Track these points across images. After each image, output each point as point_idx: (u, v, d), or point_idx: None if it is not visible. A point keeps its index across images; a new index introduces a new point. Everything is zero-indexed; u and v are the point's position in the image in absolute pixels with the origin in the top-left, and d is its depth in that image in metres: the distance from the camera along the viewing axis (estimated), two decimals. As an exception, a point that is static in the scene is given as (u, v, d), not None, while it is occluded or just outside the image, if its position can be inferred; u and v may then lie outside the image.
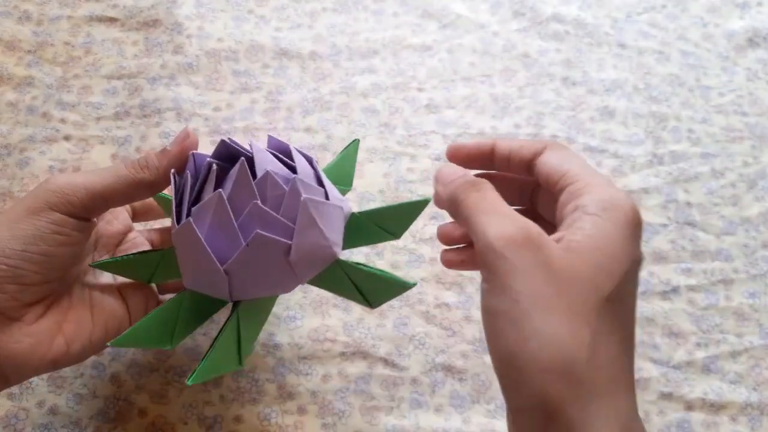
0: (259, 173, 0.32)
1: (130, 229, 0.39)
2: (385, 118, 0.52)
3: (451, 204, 0.29)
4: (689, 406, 0.44)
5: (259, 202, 0.31)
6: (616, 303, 0.26)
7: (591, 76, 0.55)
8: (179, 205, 0.33)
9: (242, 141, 0.50)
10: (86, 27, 0.54)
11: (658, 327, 0.46)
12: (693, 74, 0.56)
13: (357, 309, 0.45)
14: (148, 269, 0.37)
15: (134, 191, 0.33)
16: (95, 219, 0.34)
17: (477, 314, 0.45)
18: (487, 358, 0.44)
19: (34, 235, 0.31)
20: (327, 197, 0.34)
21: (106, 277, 0.37)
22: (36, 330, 0.32)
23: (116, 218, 0.38)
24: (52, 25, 0.54)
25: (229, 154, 0.34)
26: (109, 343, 0.33)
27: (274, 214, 0.31)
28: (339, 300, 0.45)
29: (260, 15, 0.56)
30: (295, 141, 0.51)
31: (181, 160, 0.34)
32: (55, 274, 0.33)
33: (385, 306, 0.45)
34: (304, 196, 0.31)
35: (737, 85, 0.55)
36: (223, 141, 0.34)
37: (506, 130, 0.52)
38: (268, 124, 0.51)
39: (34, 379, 0.42)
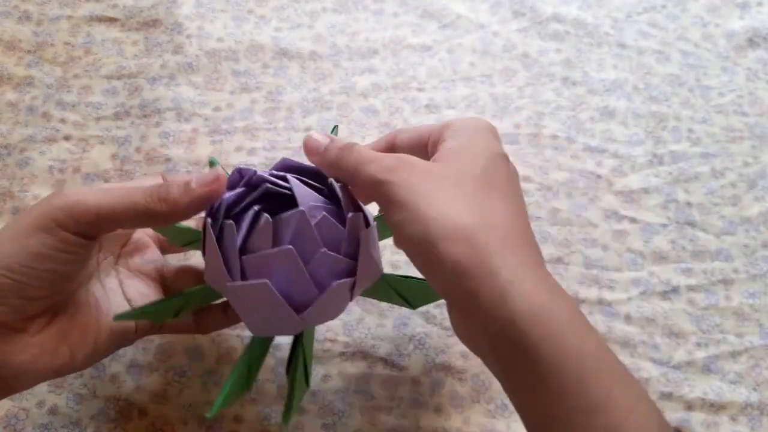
0: (303, 207, 0.32)
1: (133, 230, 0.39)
2: (385, 118, 0.52)
3: (334, 169, 0.33)
4: (689, 406, 0.44)
5: (326, 250, 0.32)
6: (488, 181, 0.30)
7: (591, 76, 0.55)
8: (220, 250, 0.32)
9: (242, 141, 0.51)
10: (86, 27, 0.54)
11: (658, 327, 0.46)
12: (693, 74, 0.56)
13: (357, 309, 0.45)
14: (172, 311, 0.36)
15: (146, 222, 0.32)
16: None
17: (477, 314, 0.45)
18: (487, 358, 0.44)
19: (40, 253, 0.30)
20: (366, 220, 0.34)
21: (111, 283, 0.36)
22: (40, 340, 0.32)
23: None
24: (52, 25, 0.54)
25: (252, 183, 0.34)
26: (114, 317, 0.34)
27: (340, 256, 0.32)
28: (339, 300, 0.45)
29: (260, 15, 0.56)
30: (296, 141, 0.51)
31: (205, 203, 0.32)
32: (60, 288, 0.32)
33: (385, 306, 0.45)
34: (362, 232, 0.33)
35: (737, 85, 0.55)
36: (239, 170, 0.33)
37: (506, 130, 0.52)
38: (268, 124, 0.51)
39: (34, 379, 0.42)
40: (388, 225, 0.31)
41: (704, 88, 0.55)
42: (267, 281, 0.31)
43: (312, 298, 0.32)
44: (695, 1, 0.59)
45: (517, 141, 0.52)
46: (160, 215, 0.31)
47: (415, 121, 0.52)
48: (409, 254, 0.30)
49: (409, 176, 0.30)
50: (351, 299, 0.35)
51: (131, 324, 0.36)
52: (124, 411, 0.41)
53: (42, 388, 0.41)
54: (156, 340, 0.43)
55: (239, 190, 0.34)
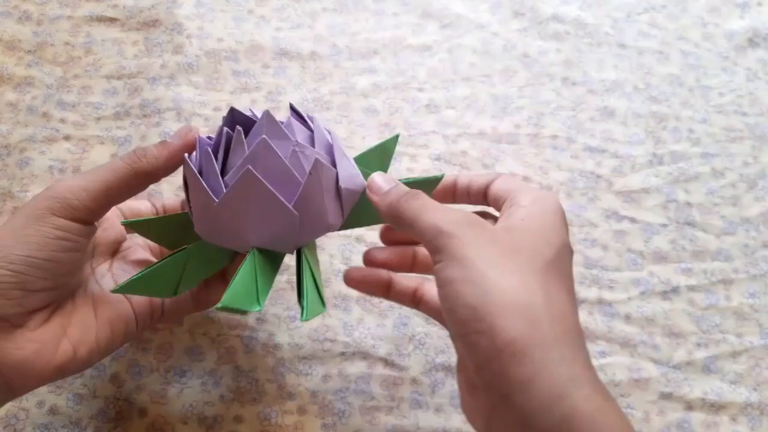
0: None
1: (124, 238, 0.39)
2: (385, 118, 0.52)
3: (393, 212, 0.32)
4: (689, 406, 0.44)
5: (297, 140, 0.32)
6: (558, 269, 0.29)
7: (591, 76, 0.55)
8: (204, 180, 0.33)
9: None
10: (86, 27, 0.54)
11: (658, 327, 0.46)
12: (693, 74, 0.56)
13: (357, 309, 0.45)
14: (174, 276, 0.36)
15: (133, 182, 0.33)
16: (97, 223, 0.34)
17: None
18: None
19: (38, 242, 0.31)
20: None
21: (108, 280, 0.36)
22: (40, 336, 0.32)
23: (111, 226, 0.38)
24: (52, 25, 0.54)
25: (238, 123, 0.35)
26: (111, 290, 0.34)
27: (314, 149, 0.33)
28: (339, 300, 0.45)
29: (260, 15, 0.56)
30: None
31: (182, 153, 0.34)
32: (60, 280, 0.33)
33: (385, 306, 0.45)
34: (329, 134, 0.34)
35: (737, 85, 0.55)
36: (232, 109, 0.35)
37: (506, 130, 0.52)
38: (268, 124, 0.51)
39: (34, 379, 0.42)
40: (437, 280, 0.29)
41: (704, 88, 0.55)
42: (249, 167, 0.31)
43: (297, 191, 0.33)
44: (695, 1, 0.59)
45: (517, 141, 0.52)
46: (143, 170, 0.33)
47: (415, 121, 0.52)
48: (451, 316, 0.28)
49: (477, 236, 0.29)
50: (342, 210, 0.35)
51: (131, 318, 0.35)
52: (124, 411, 0.41)
53: (42, 388, 0.41)
54: (156, 340, 0.43)
55: (217, 134, 0.35)
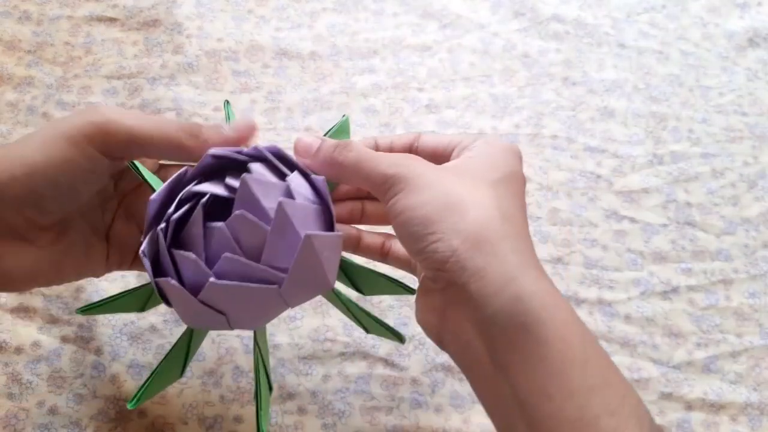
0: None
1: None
2: (385, 118, 0.52)
3: (331, 168, 0.32)
4: (689, 406, 0.44)
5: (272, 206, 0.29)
6: (506, 187, 0.30)
7: (591, 76, 0.55)
8: (158, 216, 0.30)
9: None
10: (86, 27, 0.54)
11: (658, 327, 0.46)
12: (693, 74, 0.56)
13: (357, 309, 0.45)
14: (140, 303, 0.37)
15: (172, 152, 0.32)
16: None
17: (477, 314, 0.45)
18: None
19: (63, 166, 0.30)
20: (331, 213, 0.32)
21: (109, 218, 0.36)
22: (45, 254, 0.32)
23: None
24: (52, 25, 0.54)
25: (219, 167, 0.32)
26: (77, 311, 0.35)
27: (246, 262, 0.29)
28: (339, 300, 0.45)
29: (260, 15, 0.56)
30: (295, 141, 0.51)
31: (233, 145, 0.32)
32: (76, 206, 0.33)
33: (385, 306, 0.45)
34: (305, 233, 0.29)
35: (737, 85, 0.55)
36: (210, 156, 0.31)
37: (506, 130, 0.52)
38: (268, 124, 0.51)
39: (34, 379, 0.42)
40: (392, 215, 0.30)
41: (704, 88, 0.55)
42: (169, 281, 0.29)
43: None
44: (695, 1, 0.59)
45: (517, 141, 0.52)
46: (187, 149, 0.32)
47: (416, 121, 0.52)
48: (410, 238, 0.29)
49: (423, 165, 0.30)
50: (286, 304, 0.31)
51: (128, 258, 0.36)
52: (124, 411, 0.41)
53: (42, 388, 0.42)
54: (156, 340, 0.44)
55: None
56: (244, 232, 0.29)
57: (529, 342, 0.26)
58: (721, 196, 0.51)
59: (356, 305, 0.37)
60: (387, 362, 0.44)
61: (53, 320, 0.43)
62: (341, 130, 0.38)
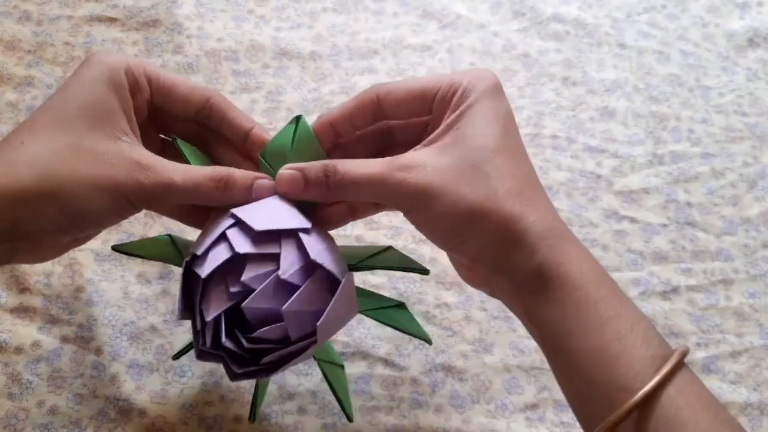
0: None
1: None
2: (385, 118, 0.52)
3: (327, 196, 0.32)
4: (689, 406, 0.44)
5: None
6: (510, 145, 0.34)
7: (591, 76, 0.55)
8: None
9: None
10: (86, 27, 0.54)
11: (658, 327, 0.46)
12: (693, 74, 0.56)
13: (357, 309, 0.45)
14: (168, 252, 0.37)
15: (200, 200, 0.32)
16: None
17: (477, 314, 0.45)
18: (488, 358, 0.44)
19: (102, 217, 0.32)
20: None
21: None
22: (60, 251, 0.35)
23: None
24: (52, 25, 0.54)
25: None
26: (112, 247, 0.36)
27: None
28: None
29: (260, 15, 0.56)
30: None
31: (267, 196, 0.33)
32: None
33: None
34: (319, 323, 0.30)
35: (737, 85, 0.55)
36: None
37: (506, 130, 0.52)
38: (268, 124, 0.51)
39: (34, 379, 0.42)
40: (415, 224, 0.32)
41: (704, 88, 0.55)
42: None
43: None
44: (695, 1, 0.59)
45: (517, 141, 0.52)
46: (215, 198, 0.32)
47: (415, 121, 0.52)
48: (434, 236, 0.33)
49: (432, 175, 0.31)
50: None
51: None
52: (124, 411, 0.41)
53: (42, 388, 0.42)
54: (156, 340, 0.44)
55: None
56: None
57: (550, 294, 0.30)
58: (721, 196, 0.51)
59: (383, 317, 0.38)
60: (387, 362, 0.44)
61: (53, 320, 0.43)
62: (304, 136, 0.35)
